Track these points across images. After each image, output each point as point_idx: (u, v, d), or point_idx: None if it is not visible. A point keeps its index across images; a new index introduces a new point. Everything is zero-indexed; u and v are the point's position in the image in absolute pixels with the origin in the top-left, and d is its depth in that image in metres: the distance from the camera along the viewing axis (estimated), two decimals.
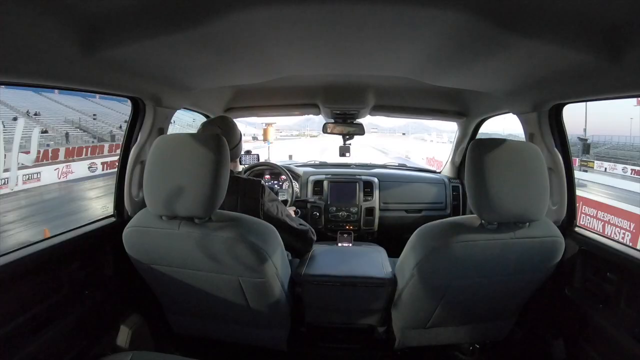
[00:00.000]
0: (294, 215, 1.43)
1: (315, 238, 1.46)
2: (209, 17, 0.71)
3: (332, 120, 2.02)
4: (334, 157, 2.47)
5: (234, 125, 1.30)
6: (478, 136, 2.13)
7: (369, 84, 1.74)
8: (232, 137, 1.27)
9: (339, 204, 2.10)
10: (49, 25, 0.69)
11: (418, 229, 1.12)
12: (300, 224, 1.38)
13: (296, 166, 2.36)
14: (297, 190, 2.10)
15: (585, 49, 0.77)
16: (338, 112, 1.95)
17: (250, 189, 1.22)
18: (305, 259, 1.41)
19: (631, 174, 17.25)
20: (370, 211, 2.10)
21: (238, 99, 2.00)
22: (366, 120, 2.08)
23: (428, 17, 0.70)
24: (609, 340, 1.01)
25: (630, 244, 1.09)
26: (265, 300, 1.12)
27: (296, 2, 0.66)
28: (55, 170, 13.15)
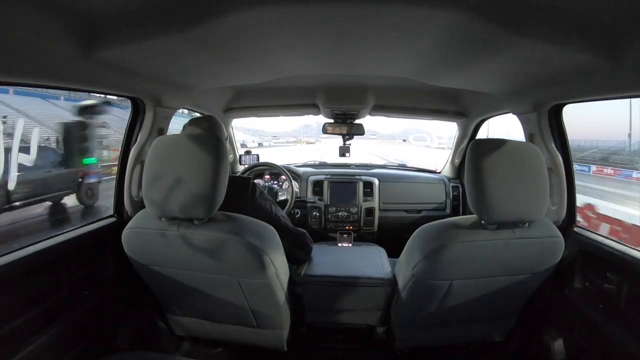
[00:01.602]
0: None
1: (312, 246, 1.43)
2: (209, 17, 0.71)
3: (332, 121, 2.02)
4: (334, 158, 2.47)
5: (219, 124, 1.26)
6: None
7: (368, 84, 1.74)
8: (219, 135, 1.23)
9: (339, 204, 2.10)
10: (49, 26, 0.69)
11: (418, 229, 1.12)
12: (296, 229, 1.34)
13: (296, 166, 2.36)
14: (297, 190, 2.10)
15: (585, 49, 0.77)
16: (338, 112, 1.95)
17: (239, 187, 1.19)
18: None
19: None
20: (370, 211, 2.10)
21: (238, 99, 2.00)
22: (365, 127, 2.07)
23: (428, 17, 0.70)
24: (608, 340, 1.01)
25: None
26: (265, 300, 1.11)
27: (296, 2, 0.66)
28: None
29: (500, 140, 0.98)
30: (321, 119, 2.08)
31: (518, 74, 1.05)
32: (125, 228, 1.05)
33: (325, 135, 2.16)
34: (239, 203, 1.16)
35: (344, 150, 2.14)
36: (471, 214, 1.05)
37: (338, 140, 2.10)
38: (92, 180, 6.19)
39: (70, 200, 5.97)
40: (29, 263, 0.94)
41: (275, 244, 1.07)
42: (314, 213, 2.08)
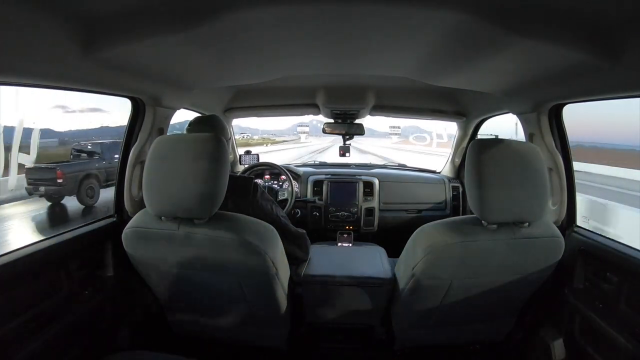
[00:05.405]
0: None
1: (309, 246, 1.43)
2: (209, 17, 0.71)
3: (332, 120, 2.03)
4: (334, 157, 2.48)
5: (222, 124, 1.25)
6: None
7: (368, 84, 1.74)
8: (222, 135, 1.24)
9: (339, 204, 2.10)
10: (49, 25, 0.69)
11: (418, 229, 1.12)
12: (296, 230, 1.34)
13: (296, 166, 2.36)
14: (297, 190, 2.10)
15: (585, 49, 0.77)
16: (338, 112, 1.95)
17: (241, 187, 1.19)
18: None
19: None
20: (370, 211, 2.09)
21: (238, 99, 2.01)
22: (367, 124, 2.07)
23: (428, 17, 0.70)
24: (608, 340, 1.01)
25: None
26: (265, 300, 1.11)
27: (296, 2, 0.66)
28: None
29: (501, 140, 0.98)
30: (316, 118, 2.09)
31: (518, 74, 1.05)
32: (126, 228, 1.05)
33: (305, 132, 2.18)
34: (241, 203, 1.16)
35: (344, 150, 2.14)
36: (471, 213, 1.06)
37: (325, 141, 2.10)
38: None
39: None
40: (29, 263, 0.94)
41: (276, 244, 1.07)
42: (314, 213, 2.08)
